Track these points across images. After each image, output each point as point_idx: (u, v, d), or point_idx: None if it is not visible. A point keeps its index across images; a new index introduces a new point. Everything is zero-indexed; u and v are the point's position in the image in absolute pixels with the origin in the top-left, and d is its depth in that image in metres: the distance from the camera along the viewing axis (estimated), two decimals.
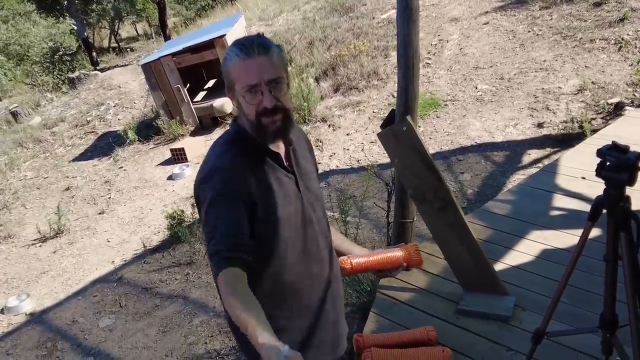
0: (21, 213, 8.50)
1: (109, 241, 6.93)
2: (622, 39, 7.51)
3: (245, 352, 1.99)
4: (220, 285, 1.65)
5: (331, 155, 7.28)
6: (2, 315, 5.87)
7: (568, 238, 3.69)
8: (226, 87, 1.78)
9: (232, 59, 1.70)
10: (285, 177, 1.86)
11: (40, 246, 7.28)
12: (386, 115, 3.32)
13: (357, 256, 2.01)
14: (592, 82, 6.86)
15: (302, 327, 1.94)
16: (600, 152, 2.04)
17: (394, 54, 8.83)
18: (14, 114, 13.75)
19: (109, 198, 8.19)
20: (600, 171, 2.06)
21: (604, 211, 2.14)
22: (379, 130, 3.28)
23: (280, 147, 1.88)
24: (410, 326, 3.20)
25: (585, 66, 7.30)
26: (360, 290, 3.73)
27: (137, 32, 27.69)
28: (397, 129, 3.15)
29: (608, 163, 2.03)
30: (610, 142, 2.05)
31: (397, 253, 2.02)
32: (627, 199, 2.08)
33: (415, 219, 3.77)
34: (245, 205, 1.73)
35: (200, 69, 11.11)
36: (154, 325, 4.95)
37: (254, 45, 1.69)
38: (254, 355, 1.94)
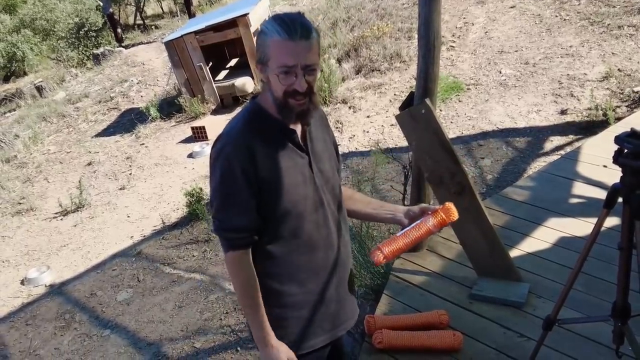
0: (43, 186, 8.62)
1: (128, 216, 7.00)
2: None
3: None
4: (233, 264, 1.91)
5: (351, 137, 7.25)
6: (23, 286, 5.98)
7: (586, 226, 3.66)
8: (258, 58, 1.76)
9: (273, 35, 1.68)
10: (298, 157, 1.85)
11: (61, 219, 7.38)
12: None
13: (387, 244, 1.88)
14: (619, 70, 6.74)
15: (302, 307, 1.95)
16: (618, 139, 2.01)
17: None
18: (39, 89, 13.91)
19: (130, 174, 8.26)
20: (617, 158, 2.03)
21: (620, 199, 2.11)
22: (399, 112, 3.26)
23: (297, 126, 1.87)
24: (422, 309, 3.20)
25: (612, 53, 7.16)
26: (373, 272, 3.73)
27: (162, 9, 27.64)
28: (415, 111, 3.14)
29: (626, 150, 2.00)
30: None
31: (428, 224, 1.87)
32: None
33: (431, 203, 3.75)
34: (253, 181, 1.76)
35: (222, 47, 11.08)
36: (171, 300, 5.02)
37: (297, 27, 1.67)
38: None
